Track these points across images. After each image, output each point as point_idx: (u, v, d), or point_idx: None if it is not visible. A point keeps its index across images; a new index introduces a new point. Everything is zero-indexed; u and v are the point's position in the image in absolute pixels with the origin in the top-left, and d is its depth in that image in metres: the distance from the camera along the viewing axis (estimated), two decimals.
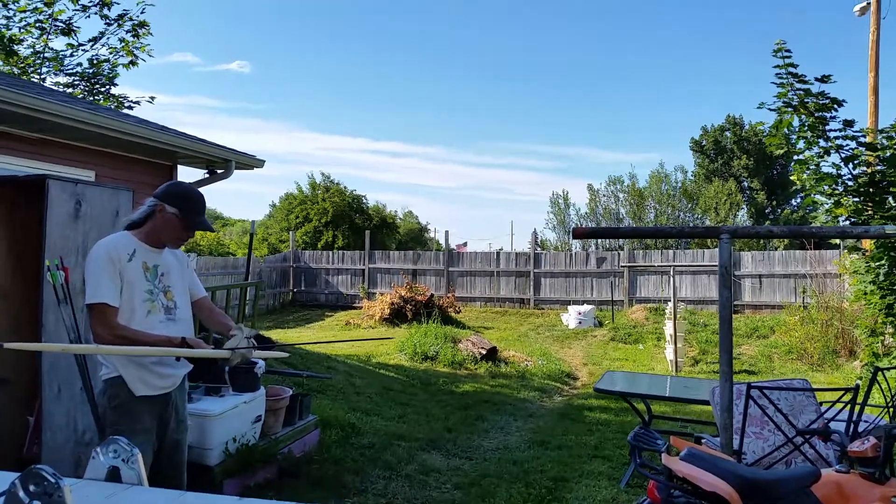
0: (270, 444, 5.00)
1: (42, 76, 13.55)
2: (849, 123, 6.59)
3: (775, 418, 4.00)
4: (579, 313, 16.13)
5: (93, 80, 14.19)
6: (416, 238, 35.02)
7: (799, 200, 29.77)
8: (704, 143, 34.44)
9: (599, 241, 29.53)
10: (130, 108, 14.45)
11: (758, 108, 6.96)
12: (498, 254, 19.69)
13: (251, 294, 8.86)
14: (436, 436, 6.79)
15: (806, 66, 6.57)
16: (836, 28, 46.84)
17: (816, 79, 6.51)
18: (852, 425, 3.95)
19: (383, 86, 68.13)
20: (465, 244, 29.01)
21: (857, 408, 3.99)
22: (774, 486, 2.71)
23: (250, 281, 8.65)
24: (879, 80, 12.88)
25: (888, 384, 4.31)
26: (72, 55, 14.02)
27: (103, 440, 1.65)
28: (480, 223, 72.87)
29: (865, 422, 4.14)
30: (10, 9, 13.22)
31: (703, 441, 4.47)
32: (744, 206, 31.93)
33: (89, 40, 14.04)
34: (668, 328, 11.81)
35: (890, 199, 6.70)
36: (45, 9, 13.33)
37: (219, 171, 8.11)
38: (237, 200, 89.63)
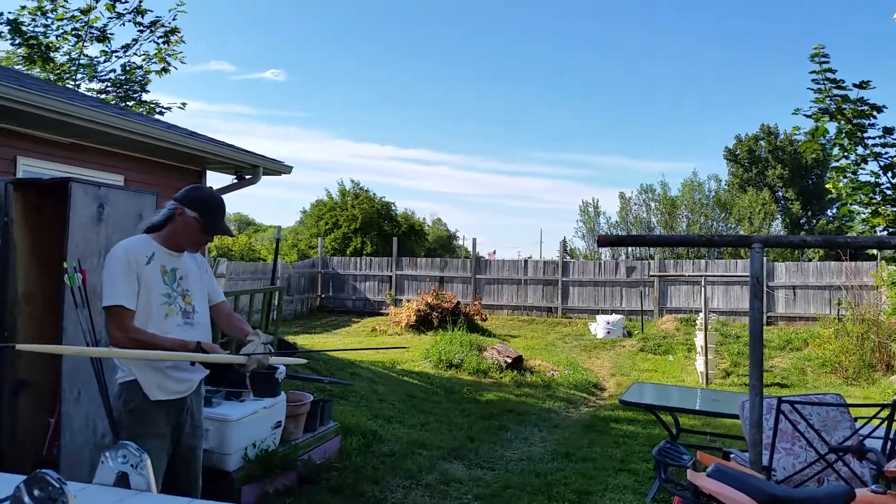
0: (290, 450, 4.96)
1: (77, 82, 13.82)
2: (889, 131, 6.41)
3: (807, 434, 3.86)
4: (608, 323, 15.92)
5: (125, 87, 14.45)
6: (445, 245, 34.97)
7: (835, 211, 29.12)
8: (738, 152, 33.91)
9: (630, 250, 29.20)
10: (161, 113, 14.69)
11: (793, 113, 6.81)
12: (526, 262, 19.55)
13: (277, 299, 8.88)
14: (458, 445, 6.71)
15: (843, 73, 6.41)
16: (875, 35, 45.83)
17: (855, 84, 6.34)
18: (889, 443, 3.79)
19: (412, 93, 68.44)
20: (493, 252, 28.95)
21: (895, 425, 3.83)
22: None
23: (276, 286, 8.67)
24: None
25: None
26: (105, 61, 14.31)
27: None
28: (509, 231, 72.67)
29: None
30: (49, 17, 13.54)
31: (731, 456, 4.34)
32: (778, 217, 31.36)
33: (122, 47, 14.32)
34: (699, 339, 11.59)
35: None
36: (82, 16, 13.63)
37: (247, 177, 8.17)
38: (270, 207, 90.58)
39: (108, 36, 14.00)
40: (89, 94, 12.83)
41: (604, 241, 3.42)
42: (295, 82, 78.00)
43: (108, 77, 14.33)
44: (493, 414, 8.38)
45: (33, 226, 3.93)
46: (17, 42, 13.29)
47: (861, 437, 3.72)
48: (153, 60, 14.41)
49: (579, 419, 8.75)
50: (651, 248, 26.22)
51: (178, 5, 14.16)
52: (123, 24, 14.12)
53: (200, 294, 3.16)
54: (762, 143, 33.58)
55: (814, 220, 32.24)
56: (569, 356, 13.50)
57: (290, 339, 11.82)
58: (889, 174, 6.61)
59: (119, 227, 3.96)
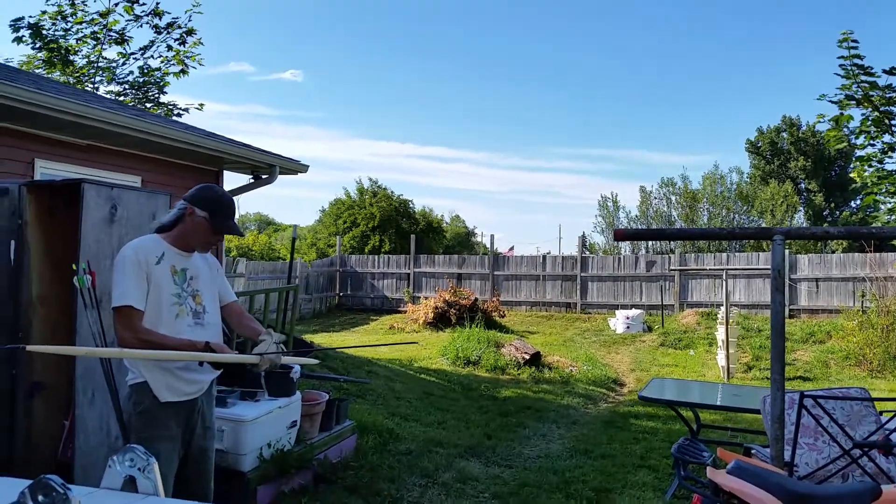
0: (306, 449, 4.95)
1: (95, 85, 13.96)
2: None
3: (830, 429, 3.77)
4: (627, 318, 15.79)
5: (143, 89, 14.57)
6: (463, 242, 34.93)
7: (858, 202, 28.65)
8: (760, 144, 33.46)
9: (650, 244, 29.00)
10: (179, 115, 14.81)
11: (818, 99, 6.69)
12: (544, 257, 19.45)
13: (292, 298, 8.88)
14: (475, 443, 6.67)
15: (870, 60, 6.25)
16: None
17: (885, 71, 6.18)
18: None
19: (430, 91, 68.38)
20: (511, 248, 28.86)
21: None
22: (829, 502, 2.52)
23: (292, 285, 8.67)
24: None
25: None
26: (123, 64, 14.44)
27: None
28: (528, 227, 72.55)
29: None
30: (69, 21, 13.69)
31: (752, 452, 4.27)
32: (801, 209, 30.95)
33: (140, 49, 14.44)
34: (720, 333, 11.45)
35: None
36: (101, 20, 13.76)
37: (263, 177, 8.19)
38: (290, 207, 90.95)
39: (127, 38, 14.13)
40: (107, 96, 12.95)
41: (620, 235, 3.37)
42: (314, 82, 78.36)
43: (126, 79, 14.47)
44: (510, 411, 8.33)
45: (46, 228, 3.94)
46: (37, 46, 13.46)
47: (887, 432, 3.62)
48: (171, 62, 14.52)
49: (598, 415, 8.67)
50: (671, 242, 26.02)
51: (193, 6, 14.26)
52: (141, 27, 14.25)
53: (211, 294, 3.14)
54: (784, 134, 33.09)
55: (837, 212, 31.75)
56: (588, 352, 13.41)
57: (309, 337, 11.85)
58: None
59: (132, 228, 3.96)
